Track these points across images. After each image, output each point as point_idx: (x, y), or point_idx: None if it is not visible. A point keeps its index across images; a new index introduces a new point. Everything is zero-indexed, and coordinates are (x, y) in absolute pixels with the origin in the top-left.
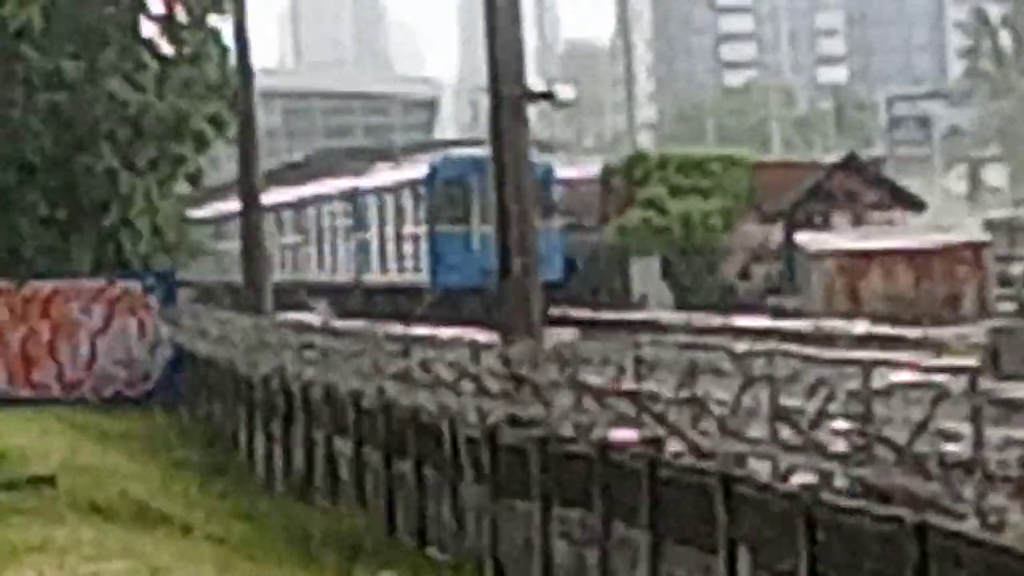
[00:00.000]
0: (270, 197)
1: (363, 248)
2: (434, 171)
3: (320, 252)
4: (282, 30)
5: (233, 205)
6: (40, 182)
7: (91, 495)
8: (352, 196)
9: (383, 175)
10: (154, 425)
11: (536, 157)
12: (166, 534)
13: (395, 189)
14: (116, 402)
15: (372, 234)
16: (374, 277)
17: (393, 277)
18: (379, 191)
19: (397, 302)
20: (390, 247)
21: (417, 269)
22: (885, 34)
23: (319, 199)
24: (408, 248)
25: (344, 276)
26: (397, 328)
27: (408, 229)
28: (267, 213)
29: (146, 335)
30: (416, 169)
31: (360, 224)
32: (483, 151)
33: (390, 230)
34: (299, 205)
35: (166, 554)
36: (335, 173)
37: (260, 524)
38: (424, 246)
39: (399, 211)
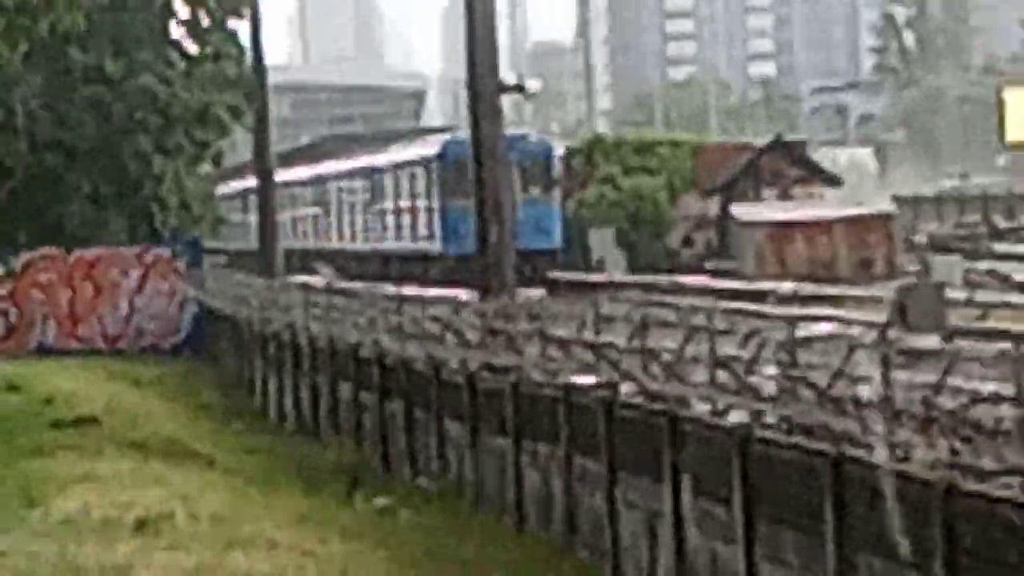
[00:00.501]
0: (289, 174)
1: (379, 218)
2: (445, 150)
3: (340, 222)
4: (291, 31)
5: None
6: (83, 164)
7: (128, 433)
8: (368, 173)
9: (395, 154)
10: (182, 373)
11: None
12: (192, 467)
13: (407, 165)
14: (150, 353)
15: (387, 206)
16: (390, 245)
17: (407, 244)
18: (393, 168)
19: (410, 267)
20: (405, 218)
21: (429, 237)
22: (807, 34)
23: (339, 176)
24: (421, 219)
25: (362, 244)
26: (392, 289)
27: (420, 202)
28: (289, 188)
29: (175, 295)
30: (427, 147)
31: (376, 197)
32: (524, 131)
33: (404, 203)
34: (319, 181)
35: (192, 484)
36: (337, 155)
37: (272, 458)
38: (436, 218)
39: (412, 185)
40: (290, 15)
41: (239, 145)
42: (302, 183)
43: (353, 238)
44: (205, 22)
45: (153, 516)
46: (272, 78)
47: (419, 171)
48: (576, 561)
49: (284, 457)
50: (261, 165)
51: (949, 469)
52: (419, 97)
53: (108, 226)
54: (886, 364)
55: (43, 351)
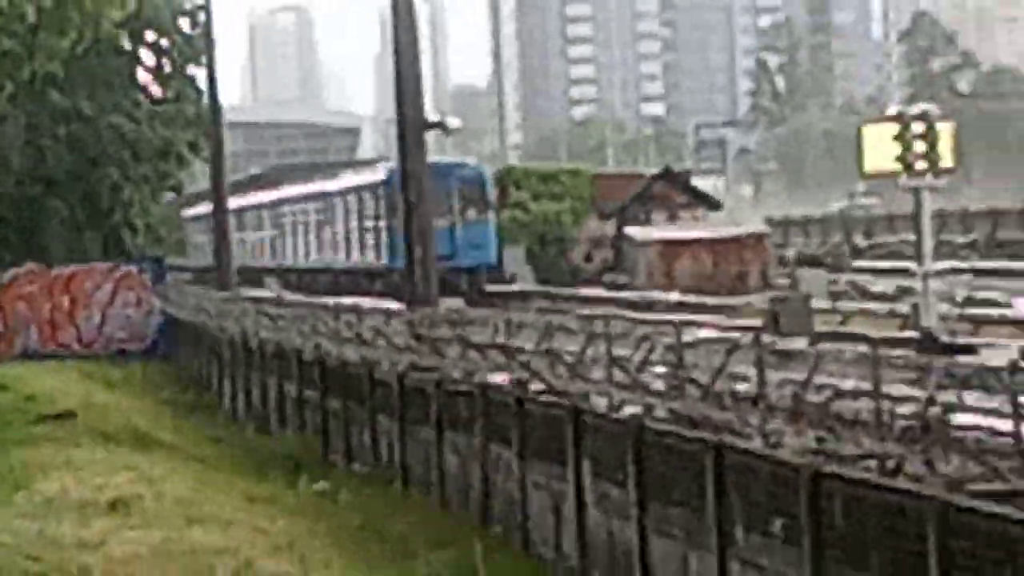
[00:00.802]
0: (249, 199)
1: (332, 238)
2: (390, 176)
3: (295, 242)
4: (242, 76)
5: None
6: (62, 192)
7: (102, 426)
8: (321, 197)
9: (346, 180)
10: (148, 373)
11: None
12: (158, 454)
13: (357, 190)
14: (120, 356)
15: (339, 227)
16: (341, 262)
17: (356, 261)
18: (344, 192)
19: (359, 281)
20: (354, 237)
21: (377, 254)
22: (692, 79)
23: (294, 200)
24: (369, 238)
25: (316, 261)
26: (328, 300)
27: (368, 223)
28: (248, 212)
29: (142, 306)
30: (375, 174)
31: (329, 219)
32: (462, 159)
33: (353, 224)
34: (276, 205)
35: (158, 469)
36: (283, 183)
37: (227, 446)
38: (383, 236)
39: (361, 208)
40: (241, 62)
41: (198, 175)
42: (260, 207)
43: (307, 256)
44: (168, 68)
45: (123, 497)
46: (226, 117)
47: (367, 195)
48: (492, 535)
49: (238, 446)
50: (216, 193)
51: (815, 455)
52: (354, 133)
53: (83, 246)
54: (760, 364)
55: (27, 355)
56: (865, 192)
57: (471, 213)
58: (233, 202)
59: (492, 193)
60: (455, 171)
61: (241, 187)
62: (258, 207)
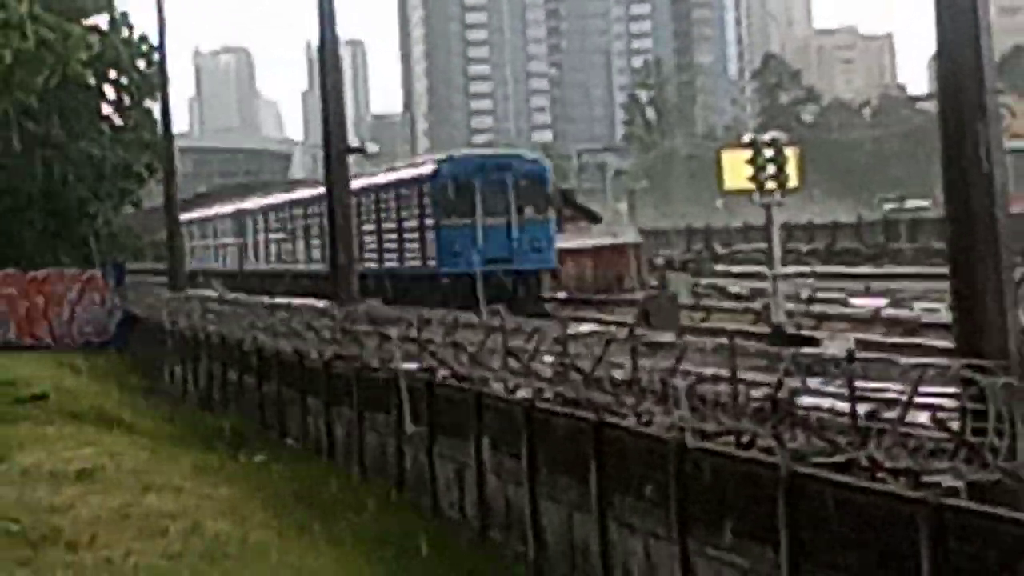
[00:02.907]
0: (212, 211)
1: (290, 244)
2: (439, 170)
3: (256, 248)
4: (191, 108)
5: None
6: (36, 207)
7: (70, 407)
8: (281, 208)
9: (298, 194)
10: (111, 362)
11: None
12: (118, 431)
13: (311, 202)
14: (86, 348)
15: (299, 235)
16: (299, 266)
17: (310, 265)
18: (295, 204)
19: (313, 284)
20: (314, 242)
21: (322, 259)
22: (576, 110)
23: (254, 212)
24: (315, 243)
25: (276, 265)
26: (266, 299)
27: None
28: (212, 222)
29: (105, 304)
30: (312, 191)
31: (284, 227)
32: (486, 152)
33: (392, 224)
34: (239, 215)
35: (118, 444)
36: (228, 200)
37: (178, 425)
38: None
39: (403, 208)
40: (190, 96)
41: (154, 193)
42: (223, 217)
43: (268, 261)
44: (127, 101)
45: (89, 468)
46: (177, 143)
47: (412, 192)
48: (405, 500)
49: (187, 424)
50: (169, 208)
51: (681, 431)
52: (287, 157)
53: (55, 253)
54: (634, 354)
55: (6, 347)
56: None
57: (529, 211)
58: (205, 213)
59: (552, 189)
60: (512, 164)
61: (190, 204)
62: (265, 210)
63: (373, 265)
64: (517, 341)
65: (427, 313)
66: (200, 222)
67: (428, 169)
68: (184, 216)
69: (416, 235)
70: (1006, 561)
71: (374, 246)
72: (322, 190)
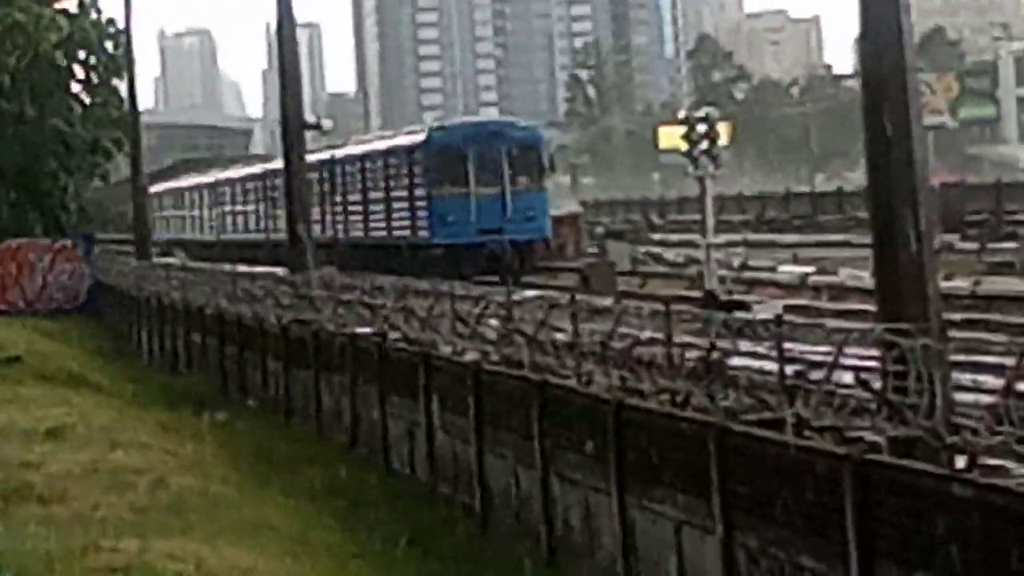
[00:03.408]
0: (184, 183)
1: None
2: (430, 138)
3: (234, 218)
4: (156, 87)
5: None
6: (9, 180)
7: (42, 368)
8: (253, 179)
9: (251, 168)
10: (80, 327)
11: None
12: (87, 392)
13: (272, 175)
14: (58, 314)
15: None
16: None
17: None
18: (371, 157)
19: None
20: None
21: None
22: (521, 88)
23: (231, 181)
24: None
25: (255, 234)
26: (227, 267)
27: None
28: (186, 192)
29: (76, 272)
30: (412, 136)
31: (261, 198)
32: (479, 120)
33: (382, 194)
34: (216, 186)
35: (87, 404)
36: (189, 174)
37: (145, 386)
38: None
39: (393, 175)
40: (155, 75)
41: (121, 167)
42: (199, 188)
43: (247, 230)
44: (95, 80)
45: (59, 426)
46: (143, 120)
47: (402, 160)
48: (359, 456)
49: (153, 385)
50: (136, 181)
51: (619, 391)
52: (247, 133)
53: (28, 224)
54: (575, 318)
55: None
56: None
57: (523, 180)
58: (182, 183)
59: (547, 158)
60: (506, 131)
61: (156, 177)
62: (243, 180)
63: (359, 234)
64: (465, 306)
65: (379, 280)
66: (173, 192)
67: (420, 137)
68: (155, 188)
69: (407, 204)
70: (925, 513)
71: (360, 215)
72: (254, 169)
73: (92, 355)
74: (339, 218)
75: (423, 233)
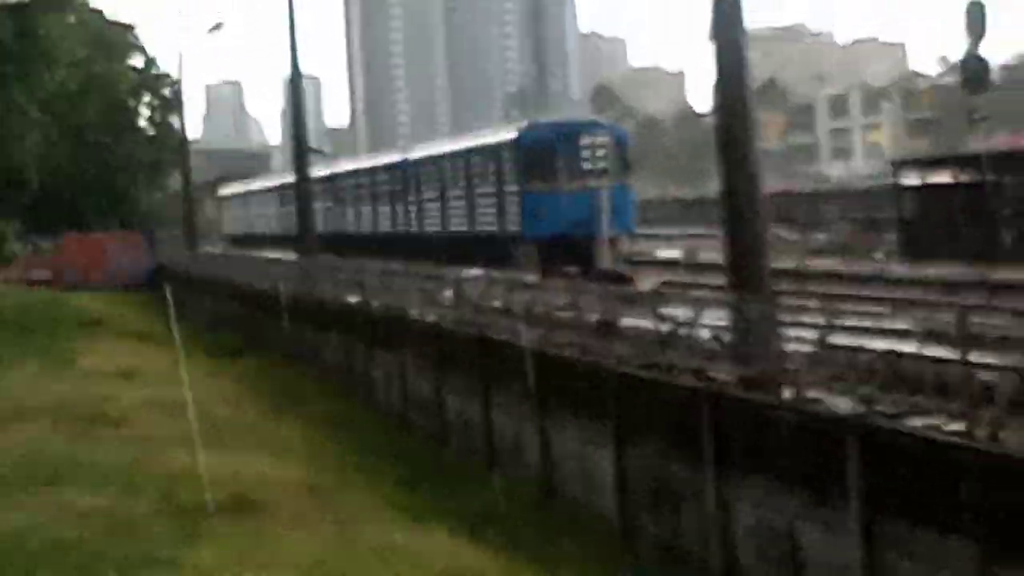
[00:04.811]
0: (257, 185)
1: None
2: (520, 137)
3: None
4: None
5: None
6: (94, 190)
7: (117, 328)
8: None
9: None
10: (144, 298)
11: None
12: (151, 345)
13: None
14: (128, 288)
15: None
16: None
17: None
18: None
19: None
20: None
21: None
22: (469, 120)
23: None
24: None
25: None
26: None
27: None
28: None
29: (141, 258)
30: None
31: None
32: (565, 119)
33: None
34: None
35: (151, 354)
36: (228, 186)
37: (194, 341)
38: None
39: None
40: (201, 113)
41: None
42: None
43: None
44: (156, 117)
45: (129, 369)
46: (191, 147)
47: (496, 157)
48: (354, 397)
49: (199, 340)
50: (185, 191)
51: (543, 342)
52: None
53: (107, 223)
54: (507, 290)
55: (74, 287)
56: None
57: (608, 176)
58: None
59: (630, 155)
60: (591, 129)
61: (202, 188)
62: (356, 174)
63: (463, 228)
64: (428, 284)
65: (365, 263)
66: (241, 196)
67: (510, 136)
68: (222, 192)
69: (498, 200)
70: (762, 431)
71: (452, 209)
72: (352, 167)
73: (152, 317)
74: (433, 213)
75: (513, 227)
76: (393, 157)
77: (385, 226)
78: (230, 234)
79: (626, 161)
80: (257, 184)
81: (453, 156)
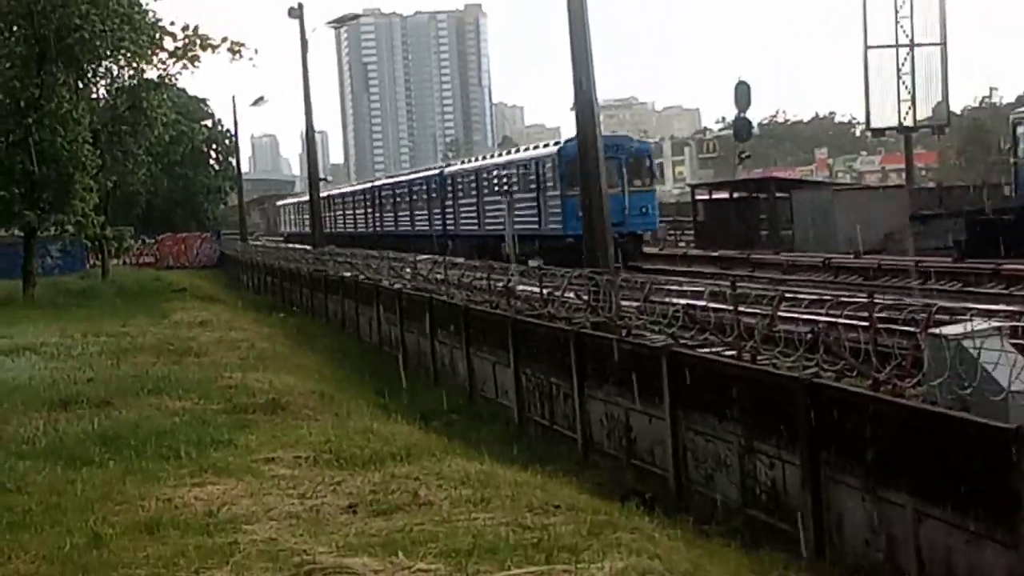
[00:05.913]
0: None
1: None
2: (563, 149)
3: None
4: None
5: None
6: (180, 206)
7: (196, 293)
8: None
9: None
10: (216, 275)
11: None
12: (219, 305)
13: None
14: (204, 268)
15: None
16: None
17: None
18: (515, 165)
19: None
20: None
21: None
22: (421, 161)
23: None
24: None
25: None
26: (282, 243)
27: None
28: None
29: (213, 248)
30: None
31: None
32: (626, 134)
33: (526, 194)
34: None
35: (219, 310)
36: (268, 205)
37: (245, 301)
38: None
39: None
40: (248, 155)
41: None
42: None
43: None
44: (220, 159)
45: (204, 320)
46: (243, 177)
47: (542, 167)
48: (347, 334)
49: (249, 301)
50: (240, 205)
51: (468, 301)
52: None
53: (190, 226)
54: (444, 268)
55: (168, 268)
56: None
57: (636, 183)
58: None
59: (654, 165)
60: (623, 143)
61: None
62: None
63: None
64: (396, 263)
65: (357, 252)
66: (290, 206)
67: (554, 149)
68: (280, 203)
69: (539, 203)
70: (608, 356)
71: (512, 211)
72: (401, 177)
73: (220, 287)
74: (489, 215)
75: (556, 227)
76: (431, 171)
77: (423, 227)
78: (285, 232)
79: (651, 171)
80: (293, 199)
81: (500, 167)
